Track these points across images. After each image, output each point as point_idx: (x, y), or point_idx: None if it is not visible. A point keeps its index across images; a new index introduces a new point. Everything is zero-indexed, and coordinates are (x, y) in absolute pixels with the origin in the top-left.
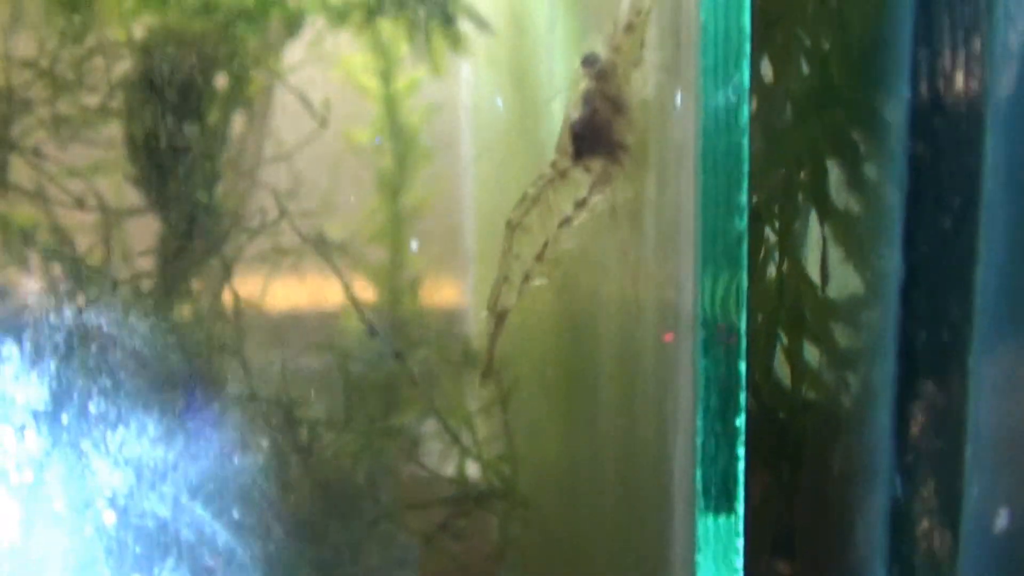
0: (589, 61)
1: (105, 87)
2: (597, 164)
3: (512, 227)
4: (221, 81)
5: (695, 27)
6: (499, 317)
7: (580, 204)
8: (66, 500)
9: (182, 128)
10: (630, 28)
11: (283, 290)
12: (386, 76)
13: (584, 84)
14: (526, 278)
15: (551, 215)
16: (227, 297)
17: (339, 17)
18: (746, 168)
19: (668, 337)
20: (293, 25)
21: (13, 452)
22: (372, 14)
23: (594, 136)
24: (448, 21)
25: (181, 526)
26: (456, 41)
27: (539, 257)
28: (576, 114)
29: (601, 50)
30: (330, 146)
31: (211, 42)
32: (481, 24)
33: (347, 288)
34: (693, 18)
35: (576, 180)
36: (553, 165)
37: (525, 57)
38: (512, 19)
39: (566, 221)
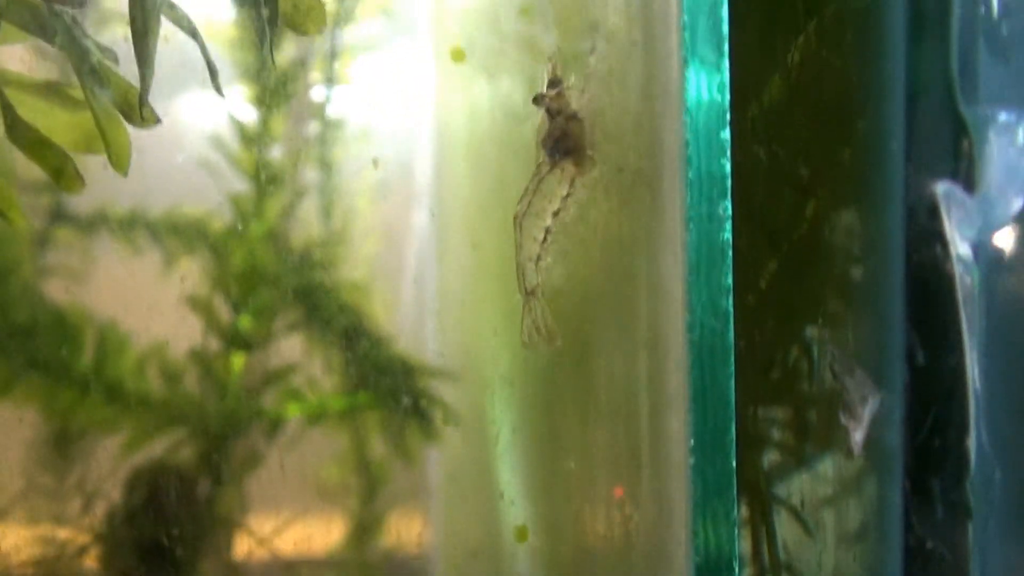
0: (551, 83)
1: None
2: (569, 166)
3: (517, 220)
4: None
5: None
6: (530, 294)
7: (565, 197)
8: None
9: None
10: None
11: None
12: None
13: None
14: (539, 259)
15: (549, 205)
16: None
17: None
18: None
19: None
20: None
21: None
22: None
23: (560, 146)
24: (423, 417)
25: None
26: (429, 434)
27: (544, 240)
28: (543, 129)
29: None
30: None
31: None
32: (452, 419)
33: None
34: None
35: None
36: (538, 167)
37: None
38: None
39: (558, 211)
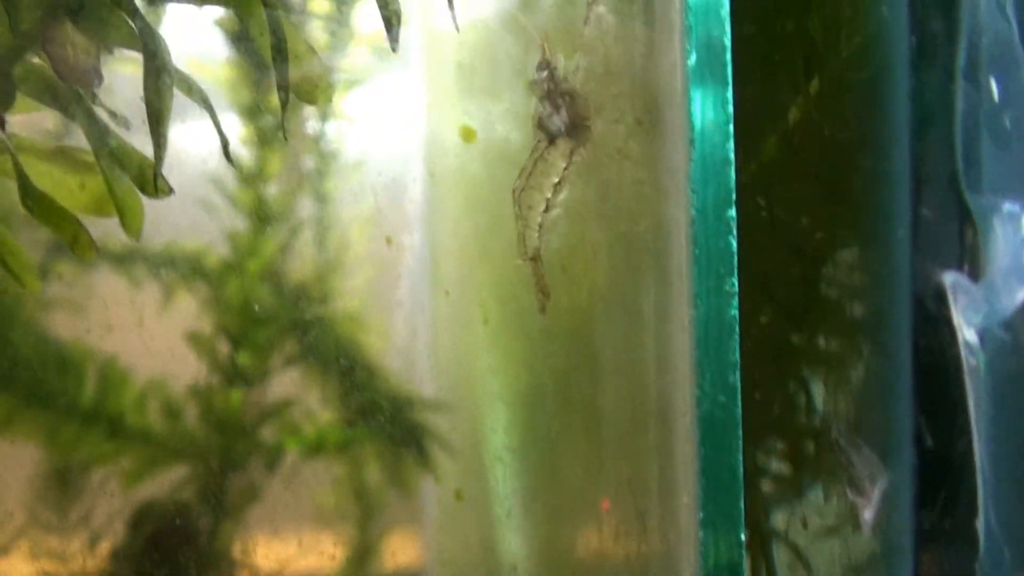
0: (540, 67)
1: None
2: (566, 141)
3: (515, 194)
4: None
5: None
6: (534, 259)
7: (565, 168)
8: None
9: None
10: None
11: None
12: None
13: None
14: (540, 226)
15: (547, 179)
16: None
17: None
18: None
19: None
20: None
21: None
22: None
23: (556, 123)
24: (418, 448)
25: None
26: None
27: (545, 210)
28: (540, 108)
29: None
30: None
31: None
32: (447, 447)
33: None
34: None
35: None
36: (536, 145)
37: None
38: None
39: (559, 183)
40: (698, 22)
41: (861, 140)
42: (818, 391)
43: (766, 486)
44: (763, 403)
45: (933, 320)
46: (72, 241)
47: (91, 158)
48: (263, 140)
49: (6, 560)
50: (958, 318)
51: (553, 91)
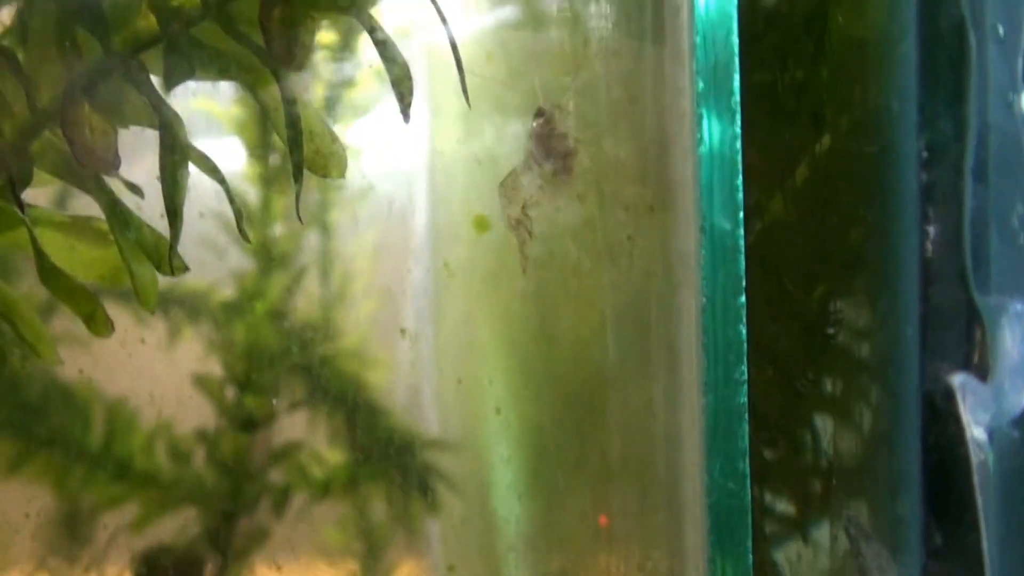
0: (538, 114)
1: None
2: (549, 168)
3: (503, 188)
4: None
5: None
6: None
7: (552, 175)
8: None
9: None
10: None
11: None
12: None
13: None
14: (524, 206)
15: (536, 180)
16: None
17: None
18: None
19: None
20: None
21: None
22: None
23: (546, 155)
24: (425, 489)
25: None
26: (431, 505)
27: (530, 197)
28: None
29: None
30: None
31: None
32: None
33: None
34: None
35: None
36: (527, 157)
37: None
38: None
39: (542, 186)
40: (709, 112)
41: (867, 233)
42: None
43: None
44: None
45: (941, 417)
46: (89, 318)
47: (106, 227)
48: (269, 180)
49: None
50: (966, 416)
51: (546, 137)
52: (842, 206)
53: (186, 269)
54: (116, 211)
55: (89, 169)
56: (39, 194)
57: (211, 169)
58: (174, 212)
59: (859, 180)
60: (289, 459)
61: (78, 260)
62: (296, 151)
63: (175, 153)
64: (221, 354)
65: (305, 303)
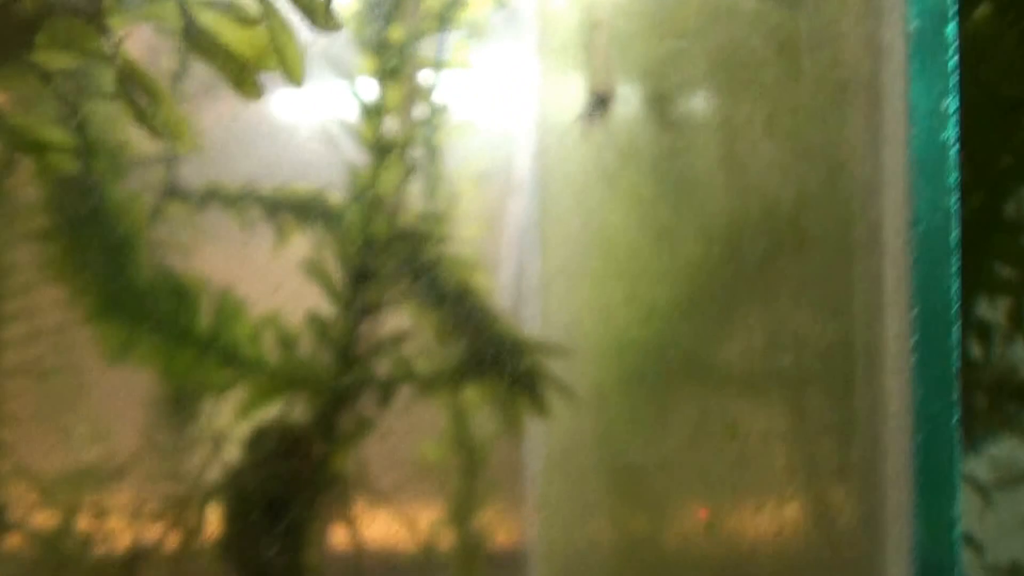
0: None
1: None
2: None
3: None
4: None
5: None
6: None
7: None
8: None
9: None
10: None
11: None
12: None
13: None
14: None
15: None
16: None
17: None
18: None
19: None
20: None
21: None
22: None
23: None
24: (533, 392)
25: None
26: (539, 408)
27: None
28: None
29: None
30: None
31: None
32: (565, 393)
33: None
34: None
35: None
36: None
37: None
38: None
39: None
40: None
41: None
42: None
43: None
44: None
45: None
46: (237, 80)
47: (254, 10)
48: (386, 75)
49: (123, 481)
50: None
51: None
52: None
53: (342, 25)
54: None
55: None
56: None
57: None
58: None
59: None
60: (396, 350)
61: (227, 39)
62: None
63: None
64: (333, 244)
65: (416, 203)
